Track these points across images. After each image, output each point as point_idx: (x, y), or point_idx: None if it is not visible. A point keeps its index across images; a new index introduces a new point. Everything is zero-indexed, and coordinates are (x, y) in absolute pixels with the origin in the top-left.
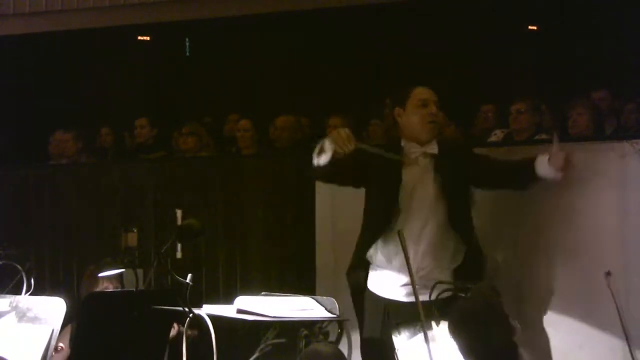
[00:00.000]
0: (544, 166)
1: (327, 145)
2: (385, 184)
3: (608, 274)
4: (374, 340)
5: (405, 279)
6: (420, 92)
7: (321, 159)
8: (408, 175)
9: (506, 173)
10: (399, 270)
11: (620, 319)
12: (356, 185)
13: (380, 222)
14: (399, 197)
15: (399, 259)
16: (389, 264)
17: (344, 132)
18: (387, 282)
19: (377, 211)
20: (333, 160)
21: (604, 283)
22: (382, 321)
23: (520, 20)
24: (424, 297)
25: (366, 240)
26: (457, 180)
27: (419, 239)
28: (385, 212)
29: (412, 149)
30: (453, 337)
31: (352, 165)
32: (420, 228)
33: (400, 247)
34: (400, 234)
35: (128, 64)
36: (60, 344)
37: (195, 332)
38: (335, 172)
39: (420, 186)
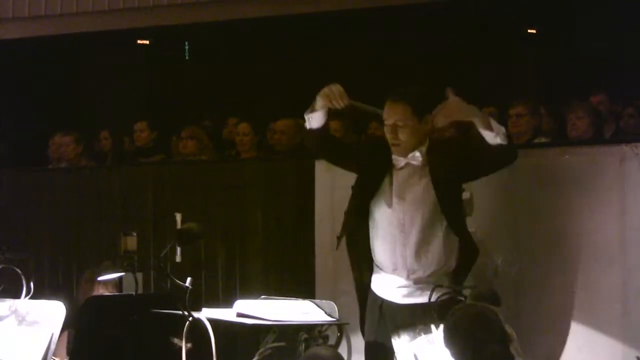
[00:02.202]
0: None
1: (319, 103)
2: (374, 175)
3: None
4: (372, 342)
5: (400, 281)
6: (386, 112)
7: (313, 120)
8: (398, 176)
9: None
10: (393, 272)
11: None
12: (347, 166)
13: (363, 203)
14: (386, 190)
15: (390, 260)
16: (384, 264)
17: (336, 88)
18: (384, 283)
19: (362, 193)
20: (326, 126)
21: (602, 285)
22: (377, 320)
23: (520, 24)
24: (420, 300)
25: (352, 215)
26: (448, 184)
27: (407, 239)
28: (368, 196)
29: (396, 160)
30: (447, 347)
31: (344, 145)
32: (409, 228)
33: (387, 246)
34: None
35: (127, 67)
36: None
37: (189, 345)
38: (325, 142)
39: (407, 190)
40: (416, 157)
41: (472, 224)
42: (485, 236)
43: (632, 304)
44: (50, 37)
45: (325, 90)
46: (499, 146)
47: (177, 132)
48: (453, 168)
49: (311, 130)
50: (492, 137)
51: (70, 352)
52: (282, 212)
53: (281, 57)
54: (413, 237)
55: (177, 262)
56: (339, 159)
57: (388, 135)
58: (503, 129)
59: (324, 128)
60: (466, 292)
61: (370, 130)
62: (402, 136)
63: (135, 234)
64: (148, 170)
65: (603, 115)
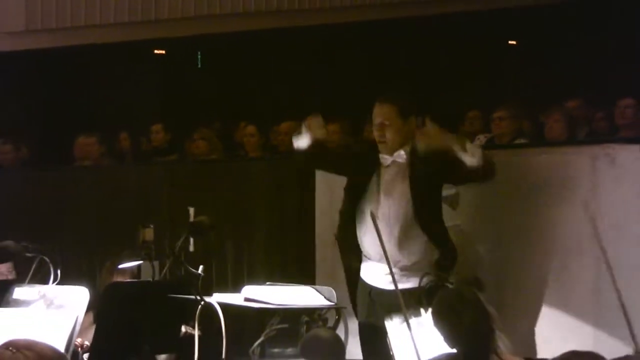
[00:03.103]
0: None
1: (304, 131)
2: (362, 177)
3: None
4: (365, 323)
5: (386, 269)
6: (375, 112)
7: (300, 142)
8: (385, 174)
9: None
10: (380, 261)
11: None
12: (338, 171)
13: (352, 203)
14: (374, 188)
15: (376, 248)
16: (371, 254)
17: (315, 121)
18: (372, 271)
19: (352, 194)
20: (313, 144)
21: (576, 274)
22: (368, 305)
23: (504, 36)
24: (408, 285)
25: (344, 215)
26: (427, 184)
27: (391, 232)
28: (357, 196)
29: (383, 159)
30: (435, 327)
31: (333, 155)
32: (394, 222)
33: (374, 239)
34: (372, 215)
35: (145, 75)
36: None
37: (199, 332)
38: (317, 157)
39: (393, 187)
40: (401, 155)
41: (458, 217)
42: (470, 228)
43: (603, 292)
44: (76, 47)
45: (307, 122)
46: (477, 166)
47: (189, 134)
48: (433, 170)
49: (299, 150)
50: (469, 159)
51: (93, 334)
52: (286, 206)
53: (286, 66)
54: (396, 230)
55: (190, 252)
56: (330, 168)
57: (375, 134)
58: (480, 152)
59: (312, 145)
60: (452, 279)
61: (366, 132)
62: (388, 134)
63: (152, 226)
64: (163, 168)
65: (577, 119)
